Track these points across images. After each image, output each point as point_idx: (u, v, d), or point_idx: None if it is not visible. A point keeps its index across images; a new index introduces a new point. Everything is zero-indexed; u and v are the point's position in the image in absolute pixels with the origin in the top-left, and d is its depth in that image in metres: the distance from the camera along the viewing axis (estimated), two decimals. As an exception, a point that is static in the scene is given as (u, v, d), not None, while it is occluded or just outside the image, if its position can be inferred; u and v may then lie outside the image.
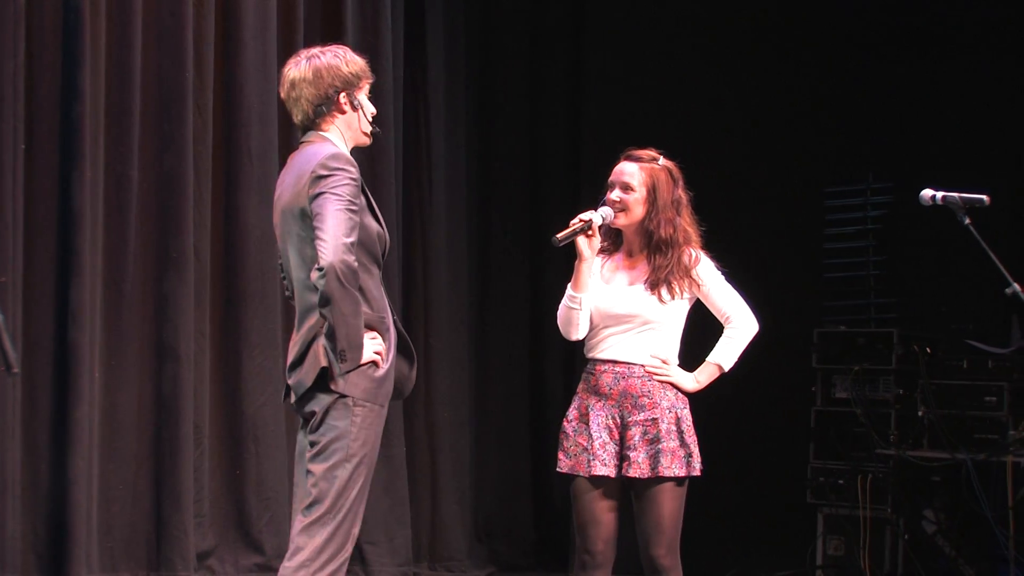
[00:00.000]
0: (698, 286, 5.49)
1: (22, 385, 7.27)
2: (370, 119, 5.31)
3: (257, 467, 8.00)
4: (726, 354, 5.57)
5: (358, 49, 8.43)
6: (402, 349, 5.20)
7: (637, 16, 10.04)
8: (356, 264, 4.93)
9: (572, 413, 5.52)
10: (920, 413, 8.54)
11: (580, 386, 5.55)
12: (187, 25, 7.78)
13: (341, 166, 5.02)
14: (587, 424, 5.44)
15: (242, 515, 8.03)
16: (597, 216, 5.42)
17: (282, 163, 5.63)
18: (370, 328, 5.06)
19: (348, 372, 4.98)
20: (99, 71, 7.49)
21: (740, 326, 5.57)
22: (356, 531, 5.09)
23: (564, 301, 5.49)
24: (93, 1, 7.42)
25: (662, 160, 5.53)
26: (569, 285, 5.48)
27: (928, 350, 8.61)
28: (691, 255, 5.48)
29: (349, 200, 4.98)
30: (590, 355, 5.54)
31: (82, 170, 7.36)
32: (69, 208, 7.37)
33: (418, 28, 9.18)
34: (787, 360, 9.19)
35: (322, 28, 8.48)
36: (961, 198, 5.38)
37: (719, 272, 5.55)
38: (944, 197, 5.40)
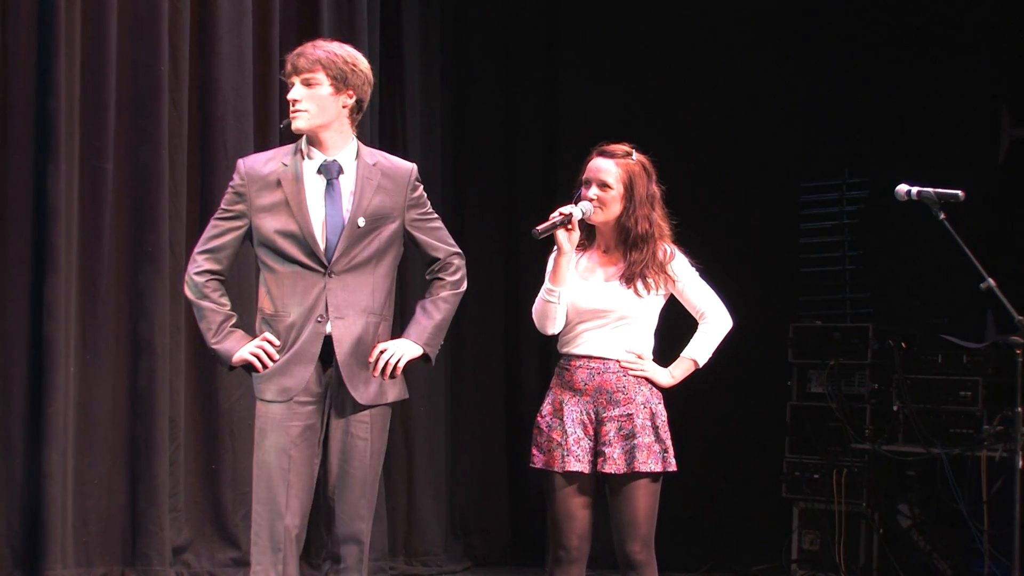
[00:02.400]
0: (673, 282, 5.49)
1: (-4, 379, 7.26)
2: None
3: (233, 462, 7.99)
4: (701, 349, 5.57)
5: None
6: (303, 351, 5.19)
7: (612, 11, 10.05)
8: (196, 273, 5.25)
9: (546, 408, 5.52)
10: (895, 408, 8.57)
11: (554, 381, 5.54)
12: (162, 18, 7.76)
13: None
14: (561, 419, 5.43)
15: (218, 510, 8.01)
16: (577, 211, 5.42)
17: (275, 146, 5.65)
18: (269, 326, 5.20)
19: (230, 372, 5.39)
20: (74, 65, 7.46)
21: (714, 321, 5.57)
22: (279, 524, 5.14)
23: (541, 294, 5.47)
24: (68, -6, 7.42)
25: (635, 155, 5.53)
26: (547, 278, 5.47)
27: (903, 345, 8.64)
28: (666, 251, 5.48)
29: (220, 208, 5.28)
30: (564, 350, 5.53)
31: (57, 164, 7.33)
32: (44, 202, 7.34)
33: (393, 22, 9.18)
34: (762, 354, 9.21)
35: (298, 22, 8.46)
36: (936, 193, 5.40)
37: (693, 268, 5.56)
38: (919, 192, 5.42)
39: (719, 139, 9.91)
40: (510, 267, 9.76)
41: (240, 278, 7.87)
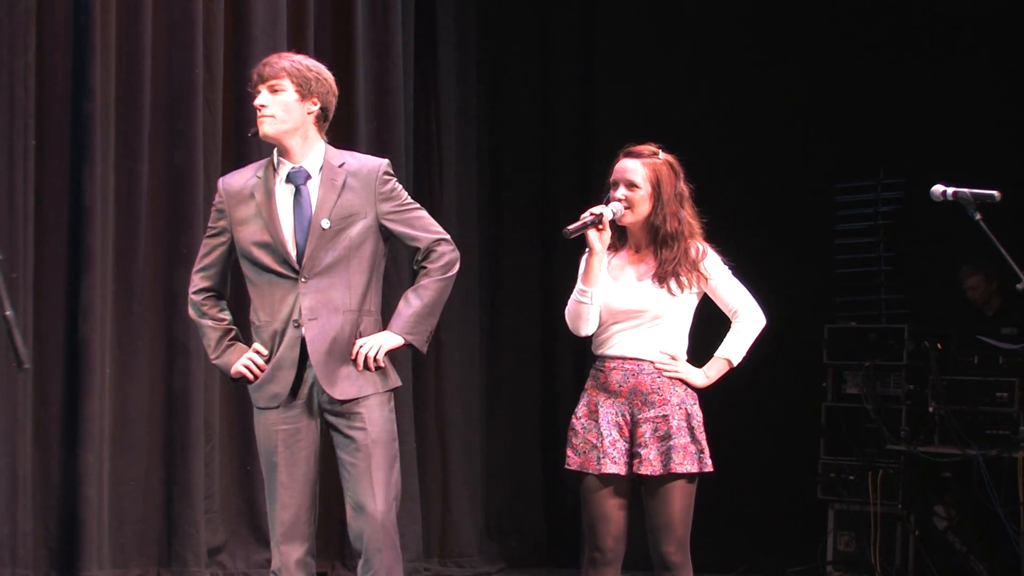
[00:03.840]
0: (706, 280, 5.47)
1: (33, 381, 7.29)
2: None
3: (265, 464, 8.00)
4: (735, 348, 5.54)
5: (369, 45, 8.52)
6: (283, 356, 5.28)
7: (647, 12, 10.04)
8: (193, 293, 5.45)
9: (581, 410, 5.51)
10: (931, 409, 8.53)
11: (589, 383, 5.53)
12: (197, 21, 7.79)
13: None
14: (596, 421, 5.42)
15: (253, 510, 8.04)
16: (608, 211, 5.40)
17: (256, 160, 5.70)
18: (259, 335, 5.34)
19: (234, 384, 5.54)
20: (109, 68, 7.51)
21: (748, 320, 5.54)
22: (275, 521, 5.35)
23: (574, 295, 5.46)
24: (103, -2, 7.45)
25: (662, 155, 5.52)
26: (579, 279, 5.47)
27: (939, 346, 8.60)
28: (698, 249, 5.46)
29: (208, 227, 5.46)
30: (599, 352, 5.52)
31: (92, 166, 7.38)
32: (80, 204, 7.39)
33: (428, 24, 9.18)
34: (798, 356, 9.19)
35: (332, 24, 8.48)
36: (972, 194, 5.36)
37: (726, 266, 5.54)
38: (955, 193, 5.38)
39: (755, 140, 9.90)
40: (545, 269, 9.76)
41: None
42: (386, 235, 5.36)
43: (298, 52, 5.53)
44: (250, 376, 5.33)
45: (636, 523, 5.53)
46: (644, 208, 5.43)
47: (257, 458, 7.86)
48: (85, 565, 7.31)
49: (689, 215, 5.49)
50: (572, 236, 5.37)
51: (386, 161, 5.42)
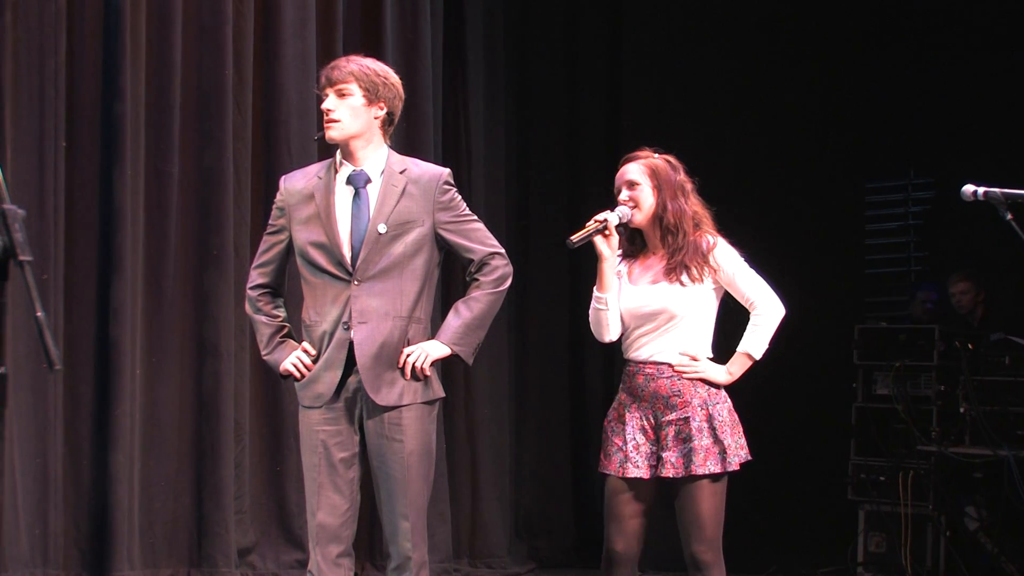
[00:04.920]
0: (716, 271, 5.46)
1: (64, 382, 7.31)
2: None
3: (298, 463, 7.94)
4: (755, 342, 5.52)
5: (398, 46, 8.53)
6: (330, 358, 5.28)
7: (676, 10, 10.02)
8: (250, 288, 5.48)
9: (612, 414, 5.55)
10: (962, 409, 8.50)
11: (621, 386, 5.56)
12: (227, 23, 7.81)
13: None
14: (624, 425, 5.45)
15: (283, 511, 8.05)
16: (613, 216, 5.46)
17: (320, 159, 5.72)
18: (308, 335, 5.37)
19: (284, 381, 5.60)
20: (139, 69, 7.53)
21: (765, 311, 5.51)
22: (312, 521, 5.31)
23: (592, 304, 5.52)
24: (134, -1, 7.48)
25: (658, 155, 5.57)
26: (595, 287, 5.50)
27: (970, 346, 8.57)
28: (708, 241, 5.46)
29: (268, 224, 5.49)
30: (626, 356, 5.56)
31: (123, 167, 7.40)
32: (110, 205, 7.41)
33: (457, 25, 9.19)
34: (828, 356, 9.18)
35: (361, 25, 8.50)
36: (1003, 193, 5.34)
37: (740, 257, 5.52)
38: (986, 192, 5.36)
39: (785, 140, 9.88)
40: (573, 270, 9.74)
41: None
42: (442, 244, 5.36)
43: (367, 55, 5.50)
44: (297, 374, 5.33)
45: (663, 525, 5.54)
46: (650, 202, 5.47)
47: (287, 459, 7.96)
48: (115, 566, 7.33)
49: (695, 205, 5.50)
50: (576, 245, 5.44)
51: (448, 171, 5.42)
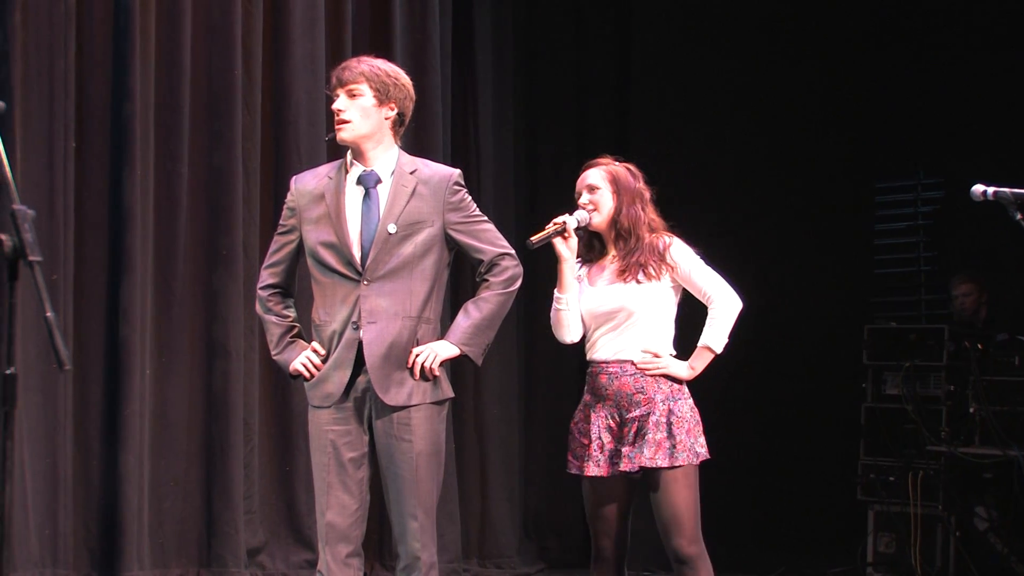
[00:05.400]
0: (673, 268, 5.51)
1: (73, 382, 7.33)
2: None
3: (307, 463, 7.95)
4: (715, 336, 5.58)
5: (407, 47, 8.53)
6: (340, 357, 5.29)
7: (684, 12, 10.02)
8: (260, 288, 5.47)
9: (578, 415, 5.65)
10: (971, 410, 8.49)
11: (585, 387, 5.63)
12: (236, 23, 7.82)
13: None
14: (589, 425, 5.52)
15: (292, 511, 8.06)
16: (572, 219, 5.55)
17: (330, 160, 5.73)
18: (318, 334, 5.37)
19: (294, 380, 5.53)
20: (149, 69, 7.54)
21: (722, 305, 5.58)
22: (321, 521, 5.32)
23: (552, 304, 5.58)
24: (143, -1, 7.48)
25: (619, 163, 5.66)
26: (555, 288, 5.55)
27: (979, 346, 8.56)
28: (664, 240, 5.54)
29: (279, 224, 5.49)
30: (588, 357, 5.64)
31: (132, 168, 7.41)
32: (119, 206, 7.42)
33: (466, 25, 9.19)
34: (837, 356, 9.16)
35: (370, 25, 8.50)
36: (1013, 193, 5.34)
37: (695, 254, 5.58)
38: (996, 192, 5.35)
39: (793, 140, 9.87)
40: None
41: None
42: (452, 245, 5.37)
43: (377, 56, 5.50)
44: (306, 374, 5.34)
45: (642, 522, 5.58)
46: (608, 205, 5.57)
47: (296, 458, 7.97)
48: (125, 565, 7.34)
49: (651, 213, 5.58)
50: (535, 247, 5.52)
51: (458, 171, 5.43)
